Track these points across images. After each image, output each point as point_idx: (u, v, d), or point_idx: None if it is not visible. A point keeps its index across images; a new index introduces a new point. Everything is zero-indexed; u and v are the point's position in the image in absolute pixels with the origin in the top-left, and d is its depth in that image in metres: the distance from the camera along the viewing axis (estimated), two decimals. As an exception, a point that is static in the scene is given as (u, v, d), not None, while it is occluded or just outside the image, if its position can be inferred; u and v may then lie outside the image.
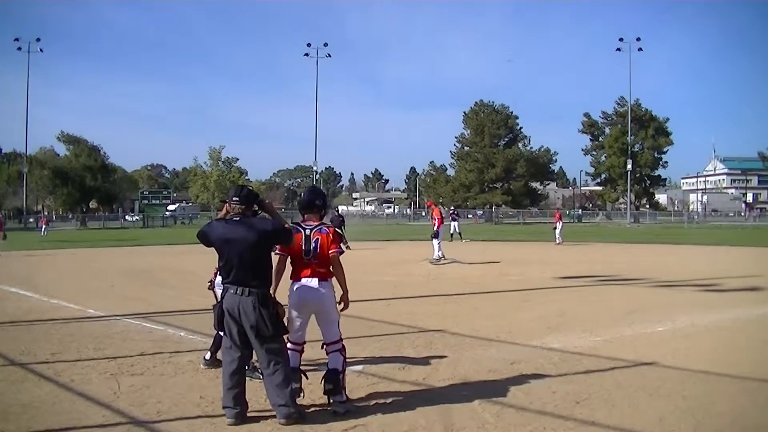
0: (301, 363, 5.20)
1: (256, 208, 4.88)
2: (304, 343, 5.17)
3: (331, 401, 4.89)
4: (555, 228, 29.21)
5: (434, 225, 18.73)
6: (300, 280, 4.97)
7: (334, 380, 4.87)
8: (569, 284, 13.34)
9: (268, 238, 4.63)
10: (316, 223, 5.08)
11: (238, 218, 4.69)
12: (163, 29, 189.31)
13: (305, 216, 5.17)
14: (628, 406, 4.97)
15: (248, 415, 4.64)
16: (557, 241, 28.16)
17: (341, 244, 5.10)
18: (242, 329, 4.55)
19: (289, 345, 5.03)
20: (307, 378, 5.10)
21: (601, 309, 10.05)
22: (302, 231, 5.00)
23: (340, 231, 4.97)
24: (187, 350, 6.97)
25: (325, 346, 5.06)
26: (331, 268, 5.04)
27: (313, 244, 4.95)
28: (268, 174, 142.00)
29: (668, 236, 35.09)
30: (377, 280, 13.95)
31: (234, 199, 4.72)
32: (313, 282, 4.95)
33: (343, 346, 5.07)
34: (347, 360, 5.14)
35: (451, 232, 29.31)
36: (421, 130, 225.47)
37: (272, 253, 4.88)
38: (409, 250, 23.58)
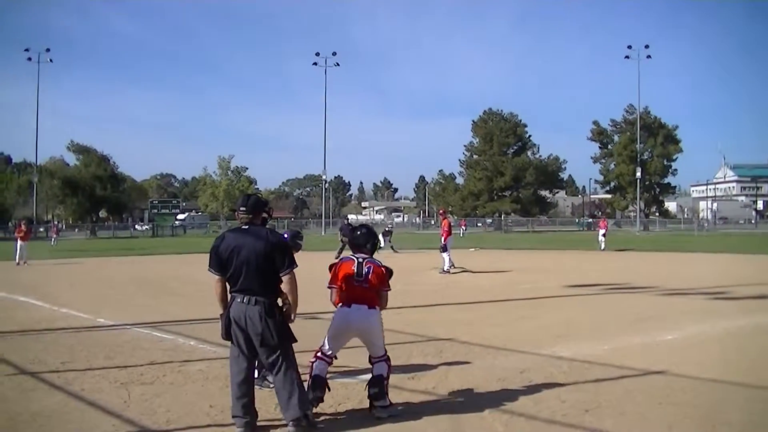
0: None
1: (266, 216, 4.89)
2: (335, 357, 5.21)
3: (375, 406, 4.94)
4: (602, 234, 30.58)
5: (442, 237, 18.23)
6: (350, 306, 5.06)
7: (379, 384, 4.97)
8: (579, 293, 13.28)
9: (275, 248, 4.60)
10: (368, 256, 5.28)
11: (246, 227, 4.70)
12: (171, 39, 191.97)
13: (355, 251, 5.36)
14: (638, 415, 4.95)
15: (258, 424, 4.64)
16: (602, 248, 29.58)
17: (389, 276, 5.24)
18: (249, 338, 4.55)
19: (319, 354, 5.10)
20: (329, 389, 5.09)
21: (611, 317, 10.02)
22: (354, 259, 5.19)
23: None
24: (197, 359, 6.99)
25: (371, 358, 5.15)
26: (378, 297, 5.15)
27: (365, 269, 5.11)
28: (278, 183, 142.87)
29: (678, 244, 34.81)
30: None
31: (241, 208, 4.73)
32: (362, 309, 5.04)
33: (389, 357, 5.16)
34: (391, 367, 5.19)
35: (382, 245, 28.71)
36: (430, 138, 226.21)
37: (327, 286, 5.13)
38: (419, 259, 23.57)
